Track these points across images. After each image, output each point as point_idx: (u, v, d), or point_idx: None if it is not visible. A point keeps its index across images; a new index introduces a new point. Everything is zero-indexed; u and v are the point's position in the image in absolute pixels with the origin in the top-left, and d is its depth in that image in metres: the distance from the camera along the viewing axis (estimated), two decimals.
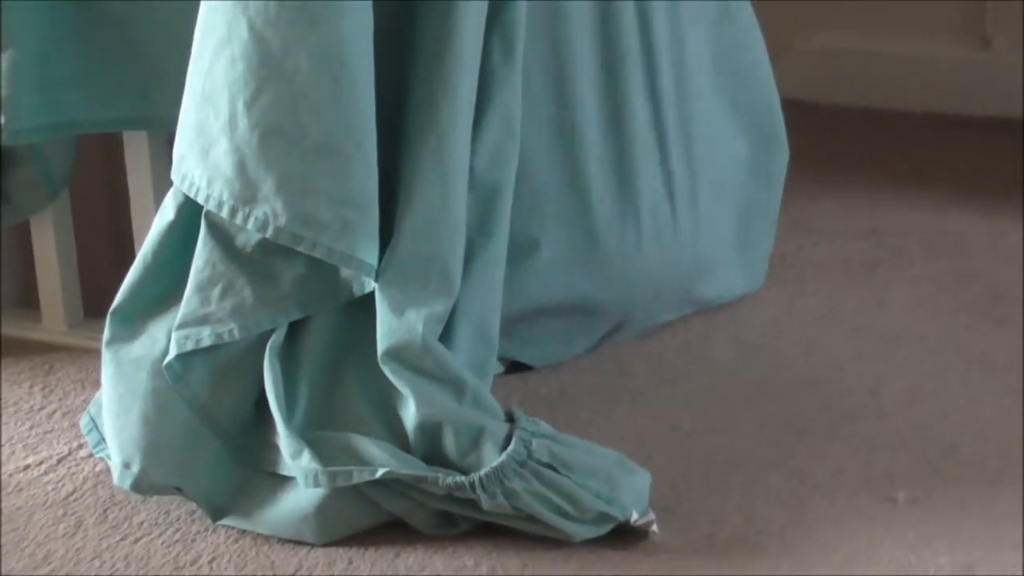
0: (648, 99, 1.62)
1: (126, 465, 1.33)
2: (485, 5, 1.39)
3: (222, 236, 1.32)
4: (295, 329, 1.35)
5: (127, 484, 1.34)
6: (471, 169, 1.41)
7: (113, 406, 1.34)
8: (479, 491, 1.28)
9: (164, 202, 1.36)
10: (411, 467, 1.29)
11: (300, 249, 1.29)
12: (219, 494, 1.33)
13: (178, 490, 1.34)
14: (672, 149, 1.66)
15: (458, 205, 1.36)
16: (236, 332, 1.32)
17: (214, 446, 1.34)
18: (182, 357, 1.32)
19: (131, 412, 1.33)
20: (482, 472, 1.28)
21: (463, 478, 1.28)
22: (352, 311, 1.35)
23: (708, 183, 1.71)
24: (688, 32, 1.65)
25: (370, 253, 1.31)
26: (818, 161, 2.14)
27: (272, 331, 1.33)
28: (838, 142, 2.33)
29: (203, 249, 1.32)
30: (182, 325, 1.32)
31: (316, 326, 1.34)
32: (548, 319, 1.60)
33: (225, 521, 1.33)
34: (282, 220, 1.28)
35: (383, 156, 1.33)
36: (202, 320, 1.32)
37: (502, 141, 1.44)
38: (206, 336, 1.31)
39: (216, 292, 1.32)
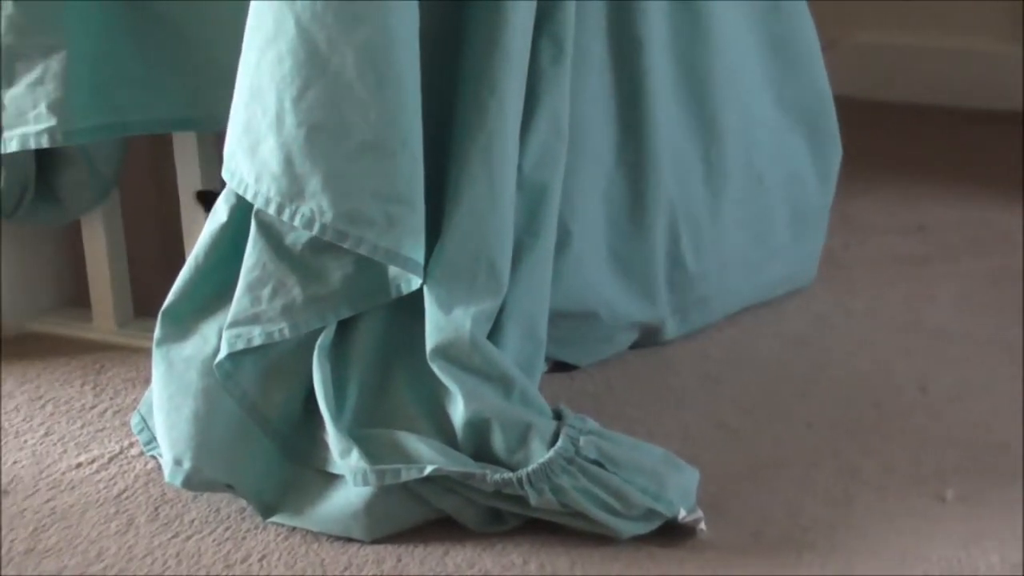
0: (676, 93, 1.61)
1: (177, 462, 1.34)
2: (534, 6, 1.39)
3: (272, 236, 1.33)
4: (344, 327, 1.35)
5: (178, 481, 1.35)
6: (519, 169, 1.41)
7: (164, 404, 1.36)
8: (527, 487, 1.28)
9: (216, 204, 1.37)
10: (459, 464, 1.29)
11: (345, 246, 1.29)
12: (269, 491, 1.34)
13: (229, 487, 1.35)
14: (711, 147, 1.65)
15: (506, 204, 1.37)
16: (287, 331, 1.32)
17: (264, 444, 1.35)
18: (233, 356, 1.33)
19: (182, 410, 1.34)
20: (530, 468, 1.28)
21: (511, 474, 1.28)
22: (401, 309, 1.35)
23: (752, 179, 1.71)
24: (720, 24, 1.64)
25: (416, 250, 1.31)
26: (864, 157, 2.13)
27: (321, 330, 1.34)
28: (883, 138, 2.32)
29: (253, 249, 1.33)
30: (233, 324, 1.33)
31: (365, 324, 1.35)
32: (587, 320, 1.60)
33: (275, 518, 1.34)
34: (328, 216, 1.28)
35: (432, 155, 1.33)
36: (253, 319, 1.33)
37: (550, 141, 1.44)
38: (257, 335, 1.32)
39: (267, 292, 1.33)
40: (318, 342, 1.33)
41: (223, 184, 1.36)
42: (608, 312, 1.59)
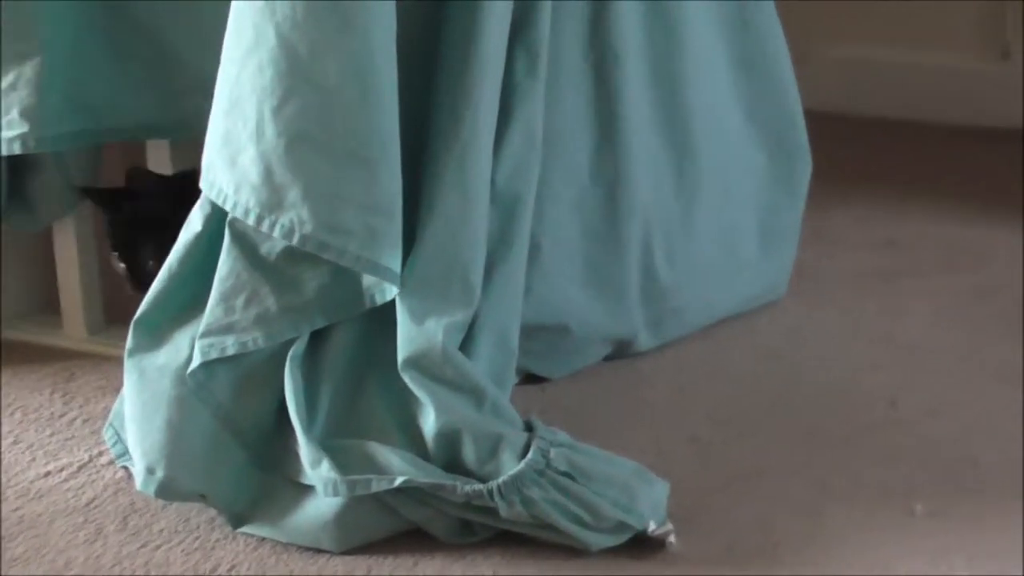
0: (651, 106, 1.62)
1: (150, 471, 1.34)
2: (508, 18, 1.39)
3: (246, 245, 1.32)
4: (316, 338, 1.35)
5: (151, 489, 1.34)
6: (492, 181, 1.41)
7: (136, 413, 1.35)
8: (497, 499, 1.28)
9: (191, 214, 1.36)
10: (430, 475, 1.29)
11: (327, 257, 1.29)
12: (240, 501, 1.34)
13: (202, 496, 1.34)
14: (682, 159, 1.65)
15: (479, 216, 1.37)
16: (260, 341, 1.32)
17: (236, 453, 1.34)
18: (206, 365, 1.33)
19: (155, 419, 1.34)
20: (500, 480, 1.28)
21: (481, 486, 1.28)
22: (373, 320, 1.35)
23: (722, 193, 1.71)
24: (693, 39, 1.64)
25: (394, 260, 1.31)
26: (837, 171, 2.14)
27: (294, 339, 1.33)
28: (856, 153, 2.33)
29: (227, 258, 1.33)
30: (206, 334, 1.32)
31: (338, 335, 1.35)
32: (559, 333, 1.59)
33: (245, 529, 1.34)
34: (308, 227, 1.28)
35: (406, 166, 1.33)
36: (226, 329, 1.32)
37: (524, 153, 1.44)
38: (230, 345, 1.32)
39: (240, 301, 1.32)
40: (290, 352, 1.33)
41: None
42: (580, 325, 1.59)
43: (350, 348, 1.36)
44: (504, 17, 1.39)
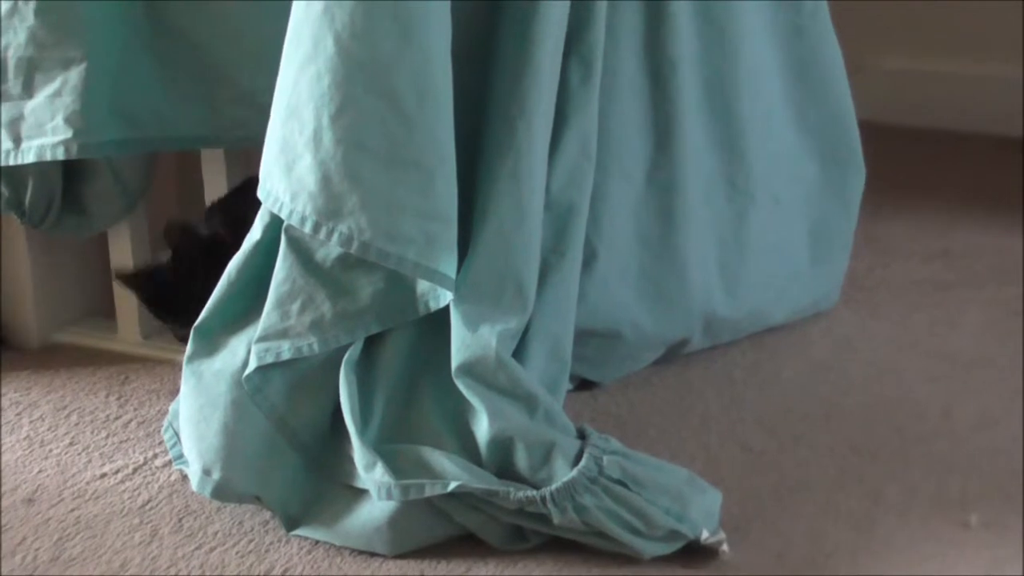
0: (704, 113, 1.62)
1: (206, 472, 1.35)
2: (564, 27, 1.40)
3: (302, 251, 1.33)
4: (372, 343, 1.36)
5: (207, 491, 1.35)
6: (547, 189, 1.41)
7: (193, 415, 1.36)
8: (550, 506, 1.28)
9: (254, 224, 1.37)
10: (483, 481, 1.29)
11: (386, 264, 1.29)
12: (294, 503, 1.35)
13: (256, 498, 1.35)
14: (735, 167, 1.65)
15: (533, 224, 1.37)
16: (315, 346, 1.33)
17: (290, 456, 1.35)
18: (261, 370, 1.33)
19: (211, 422, 1.35)
20: (553, 487, 1.28)
21: (534, 493, 1.28)
22: (429, 326, 1.36)
23: (773, 201, 1.71)
24: (746, 47, 1.64)
25: (451, 267, 1.32)
26: (889, 182, 2.13)
27: (349, 344, 1.34)
28: (910, 163, 2.32)
29: (283, 264, 1.33)
30: (262, 339, 1.33)
31: (393, 340, 1.36)
32: (612, 339, 1.60)
33: (299, 531, 1.34)
34: (367, 235, 1.28)
35: (461, 173, 1.34)
36: (282, 334, 1.33)
37: (578, 162, 1.44)
38: (285, 350, 1.33)
39: (296, 306, 1.33)
40: (345, 356, 1.34)
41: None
42: (634, 331, 1.59)
43: (405, 353, 1.36)
44: (560, 26, 1.39)
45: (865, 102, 1.82)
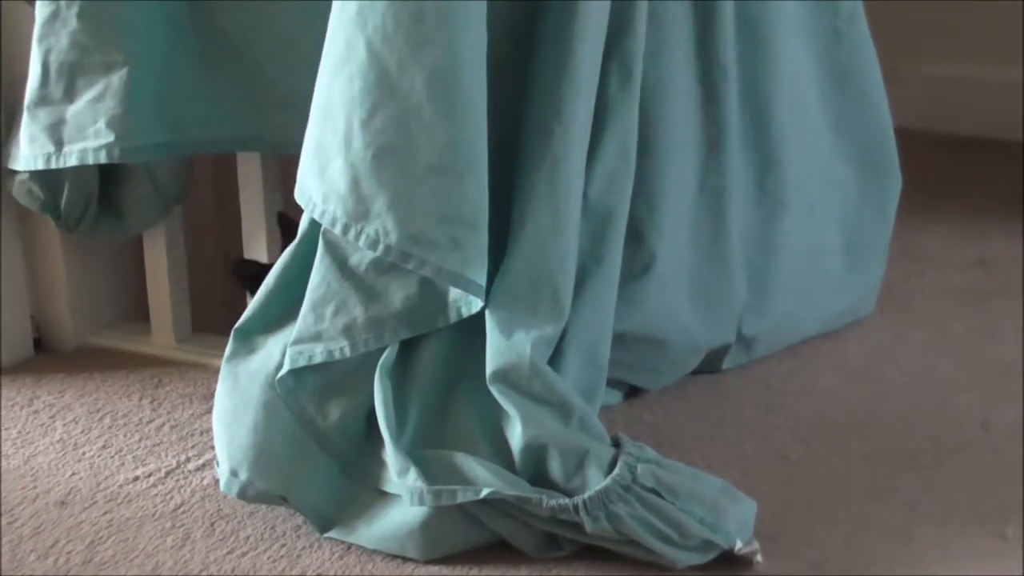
0: (740, 119, 1.61)
1: (234, 473, 1.35)
2: (603, 33, 1.39)
3: (337, 255, 1.33)
4: (407, 347, 1.36)
5: (233, 491, 1.35)
6: (585, 195, 1.41)
7: (226, 416, 1.36)
8: (583, 514, 1.28)
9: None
10: (516, 488, 1.29)
11: (409, 267, 1.30)
12: (325, 506, 1.35)
13: (283, 499, 1.35)
14: (765, 171, 1.64)
15: (570, 230, 1.37)
16: (347, 350, 1.33)
17: (322, 459, 1.35)
18: (295, 372, 1.34)
19: (243, 422, 1.35)
20: (586, 495, 1.28)
21: (567, 500, 1.28)
22: (465, 331, 1.35)
23: (807, 208, 1.70)
24: (783, 52, 1.64)
25: (479, 273, 1.31)
26: (927, 189, 2.12)
27: (384, 348, 1.34)
28: (947, 171, 2.31)
29: (319, 267, 1.34)
30: (297, 341, 1.33)
31: (429, 345, 1.35)
32: (662, 344, 1.59)
33: (331, 533, 1.34)
34: (392, 238, 1.29)
35: (499, 179, 1.34)
36: (315, 337, 1.33)
37: (617, 168, 1.44)
38: (318, 353, 1.33)
39: (330, 310, 1.33)
40: (380, 361, 1.34)
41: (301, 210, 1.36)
42: (685, 336, 1.59)
43: (441, 359, 1.36)
44: (599, 30, 1.38)
45: (901, 108, 1.81)
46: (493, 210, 1.33)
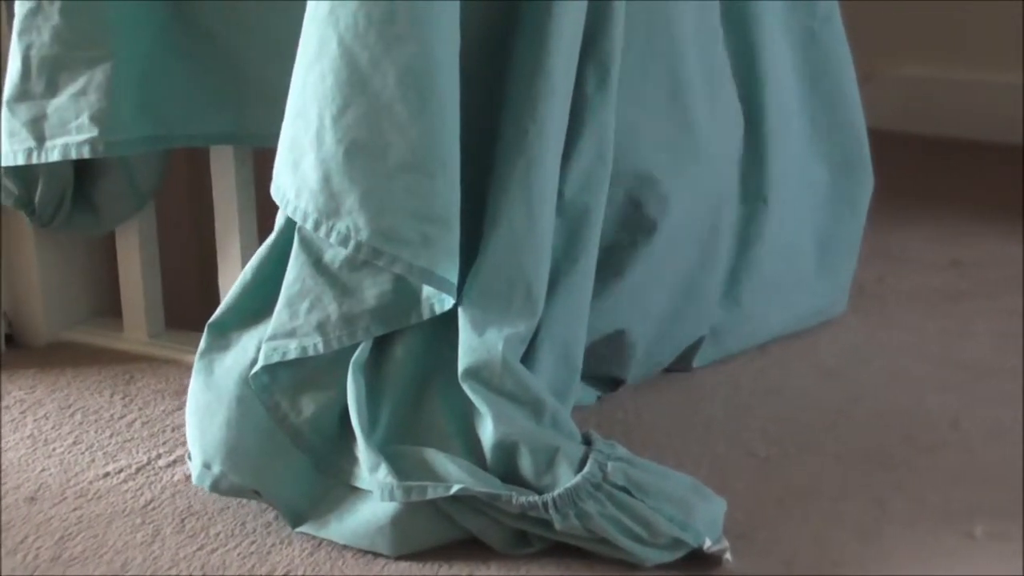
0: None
1: (206, 466, 1.35)
2: (579, 33, 1.39)
3: (312, 251, 1.33)
4: (381, 344, 1.35)
5: (206, 484, 1.35)
6: (561, 194, 1.41)
7: (199, 410, 1.36)
8: (552, 512, 1.28)
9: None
10: (486, 485, 1.29)
11: (379, 264, 1.30)
12: (298, 501, 1.34)
13: (255, 493, 1.35)
14: (755, 168, 1.65)
15: (544, 228, 1.37)
16: (320, 346, 1.33)
17: (294, 454, 1.35)
18: (269, 368, 1.34)
19: (216, 416, 1.35)
20: (556, 493, 1.28)
21: (537, 498, 1.28)
22: (439, 328, 1.35)
23: (783, 204, 1.70)
24: (771, 54, 1.65)
25: (450, 270, 1.31)
26: (901, 190, 2.12)
27: (358, 344, 1.34)
28: (922, 172, 2.31)
29: (294, 264, 1.34)
30: (272, 337, 1.34)
31: (403, 342, 1.35)
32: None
33: (303, 528, 1.34)
34: (363, 234, 1.29)
35: (474, 177, 1.34)
36: (290, 333, 1.33)
37: (593, 167, 1.44)
38: (292, 349, 1.33)
39: (304, 306, 1.33)
40: (353, 357, 1.33)
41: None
42: (656, 328, 1.60)
43: (414, 355, 1.36)
44: (575, 32, 1.38)
45: (875, 110, 1.82)
46: (468, 209, 1.33)
